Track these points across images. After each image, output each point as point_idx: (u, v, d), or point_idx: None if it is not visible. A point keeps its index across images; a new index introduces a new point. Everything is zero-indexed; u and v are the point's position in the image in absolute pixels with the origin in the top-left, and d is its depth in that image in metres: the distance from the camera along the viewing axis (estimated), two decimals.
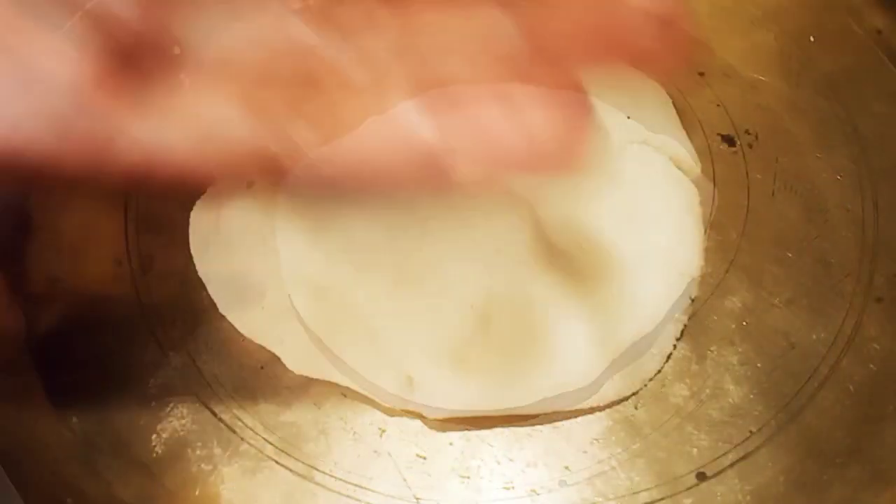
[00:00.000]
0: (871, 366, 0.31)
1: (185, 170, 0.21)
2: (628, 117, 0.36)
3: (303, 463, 0.30)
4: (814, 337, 0.32)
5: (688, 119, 0.38)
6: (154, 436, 0.30)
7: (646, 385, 0.31)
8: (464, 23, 0.23)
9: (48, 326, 0.32)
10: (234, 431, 0.30)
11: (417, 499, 0.29)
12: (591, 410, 0.30)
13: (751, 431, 0.30)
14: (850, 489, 0.29)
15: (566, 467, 0.29)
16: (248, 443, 0.30)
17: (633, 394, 0.31)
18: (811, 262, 0.34)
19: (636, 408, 0.31)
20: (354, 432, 0.30)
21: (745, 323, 0.32)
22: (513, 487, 0.29)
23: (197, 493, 0.29)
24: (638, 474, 0.29)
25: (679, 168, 0.35)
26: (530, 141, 0.21)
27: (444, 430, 0.30)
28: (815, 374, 0.31)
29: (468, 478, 0.29)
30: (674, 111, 0.38)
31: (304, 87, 0.23)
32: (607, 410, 0.30)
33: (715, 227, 0.35)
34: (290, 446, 0.30)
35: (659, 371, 0.31)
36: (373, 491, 0.29)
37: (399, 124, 0.22)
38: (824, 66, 0.40)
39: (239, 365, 0.31)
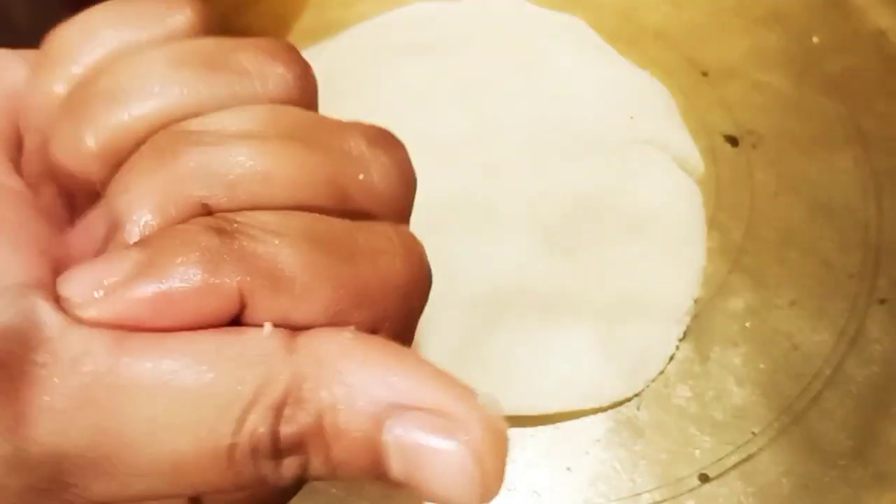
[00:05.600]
0: (874, 367, 0.31)
1: None
2: (631, 117, 0.36)
3: None
4: (817, 338, 0.32)
5: (691, 119, 0.38)
6: None
7: (648, 386, 0.31)
8: None
9: None
10: None
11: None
12: (594, 411, 0.30)
13: (753, 433, 0.30)
14: (852, 491, 0.29)
15: (568, 468, 0.29)
16: None
17: (636, 395, 0.31)
18: (814, 262, 0.34)
19: (638, 409, 0.30)
20: None
21: (747, 324, 0.32)
22: (514, 488, 0.29)
23: None
24: (640, 476, 0.29)
25: (682, 168, 0.35)
26: None
27: None
28: (818, 376, 0.31)
29: None
30: (677, 111, 0.38)
31: None
32: (609, 411, 0.30)
33: (718, 227, 0.35)
34: None
35: (661, 372, 0.31)
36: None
37: None
38: (828, 67, 0.40)
39: None
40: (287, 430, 0.14)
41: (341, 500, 0.29)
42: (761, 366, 0.31)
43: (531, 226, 0.32)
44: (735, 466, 0.29)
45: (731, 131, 0.38)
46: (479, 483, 0.15)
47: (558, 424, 0.30)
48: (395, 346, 0.16)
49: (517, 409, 0.30)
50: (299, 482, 0.16)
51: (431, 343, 0.30)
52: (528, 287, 0.31)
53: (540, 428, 0.30)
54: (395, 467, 0.15)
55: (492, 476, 0.15)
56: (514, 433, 0.29)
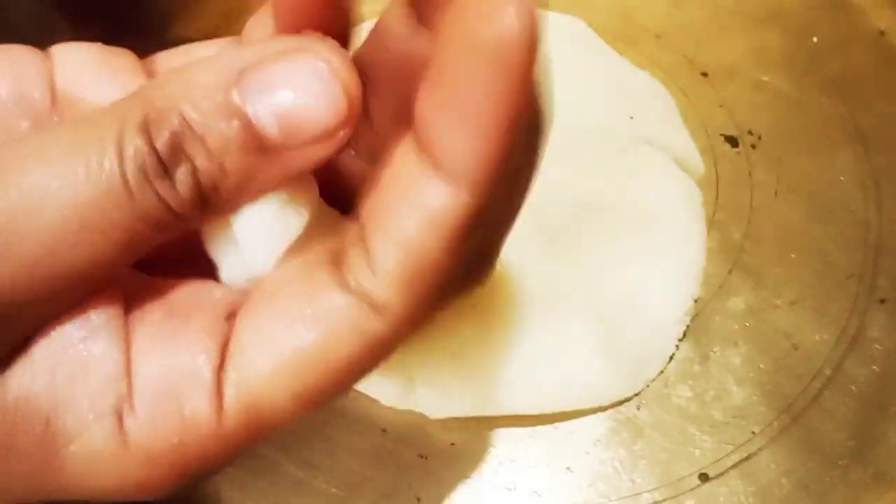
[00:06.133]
0: (874, 367, 0.31)
1: None
2: (631, 117, 0.35)
3: (304, 461, 0.30)
4: (817, 338, 0.32)
5: (691, 119, 0.38)
6: None
7: (648, 386, 0.31)
8: None
9: None
10: None
11: (418, 499, 0.29)
12: (594, 411, 0.30)
13: (753, 432, 0.30)
14: (852, 490, 0.29)
15: (568, 468, 0.29)
16: None
17: (636, 395, 0.31)
18: (814, 262, 0.34)
19: (638, 408, 0.30)
20: (356, 431, 0.30)
21: (747, 324, 0.32)
22: (515, 488, 0.29)
23: (197, 491, 0.29)
24: (640, 475, 0.29)
25: (682, 168, 0.35)
26: None
27: (445, 430, 0.30)
28: (818, 375, 0.31)
29: (469, 478, 0.29)
30: (677, 111, 0.38)
31: None
32: (609, 411, 0.30)
33: (718, 227, 0.35)
34: (292, 444, 0.30)
35: (661, 372, 0.31)
36: (374, 491, 0.29)
37: None
38: (828, 67, 0.40)
39: None
40: (160, 137, 0.15)
41: (341, 500, 0.29)
42: (761, 366, 0.31)
43: (531, 226, 0.32)
44: (735, 466, 0.29)
45: (731, 131, 0.38)
46: (341, 88, 0.16)
47: (558, 424, 0.30)
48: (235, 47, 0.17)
49: (517, 409, 0.30)
50: (199, 202, 0.16)
51: (431, 343, 0.30)
52: (528, 287, 0.31)
53: (540, 428, 0.30)
54: (266, 121, 0.16)
55: (351, 82, 0.16)
56: (513, 433, 0.30)
